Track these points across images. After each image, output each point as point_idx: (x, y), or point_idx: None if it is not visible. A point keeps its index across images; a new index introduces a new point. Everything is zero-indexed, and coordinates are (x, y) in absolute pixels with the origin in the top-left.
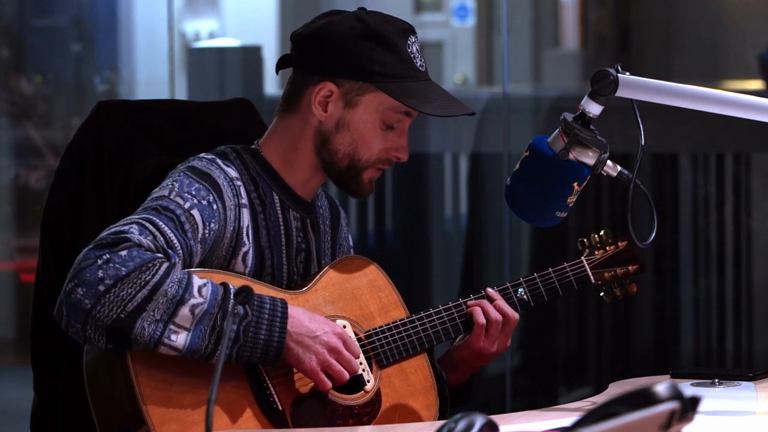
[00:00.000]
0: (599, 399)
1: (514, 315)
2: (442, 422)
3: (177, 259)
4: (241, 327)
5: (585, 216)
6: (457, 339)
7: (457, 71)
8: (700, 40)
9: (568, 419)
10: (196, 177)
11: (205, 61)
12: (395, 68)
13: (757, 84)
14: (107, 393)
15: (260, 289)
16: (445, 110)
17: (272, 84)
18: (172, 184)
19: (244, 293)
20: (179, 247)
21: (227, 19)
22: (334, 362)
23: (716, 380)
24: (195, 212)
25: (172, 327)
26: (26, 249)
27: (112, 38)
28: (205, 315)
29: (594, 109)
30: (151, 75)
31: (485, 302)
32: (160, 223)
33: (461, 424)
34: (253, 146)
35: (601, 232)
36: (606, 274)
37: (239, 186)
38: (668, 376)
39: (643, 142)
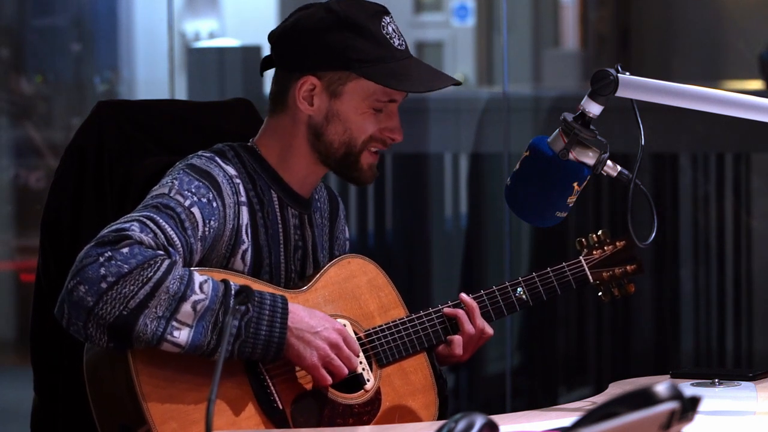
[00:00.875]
0: (599, 399)
1: (487, 329)
2: (442, 422)
3: (178, 257)
4: (243, 323)
5: (585, 216)
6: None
7: (457, 71)
8: (700, 40)
9: (568, 419)
10: (196, 175)
11: (205, 61)
12: (372, 52)
13: (757, 84)
14: (108, 391)
15: (260, 287)
16: (427, 85)
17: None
18: (172, 182)
19: (244, 293)
20: (179, 245)
21: (227, 19)
22: (335, 357)
23: (716, 380)
24: (195, 210)
25: (174, 323)
26: (26, 249)
27: (112, 38)
28: (207, 311)
29: (594, 109)
30: (151, 75)
31: (462, 314)
32: (161, 220)
33: (461, 424)
34: (249, 144)
35: (599, 232)
36: (604, 274)
37: (238, 184)
38: (668, 376)
39: (643, 142)
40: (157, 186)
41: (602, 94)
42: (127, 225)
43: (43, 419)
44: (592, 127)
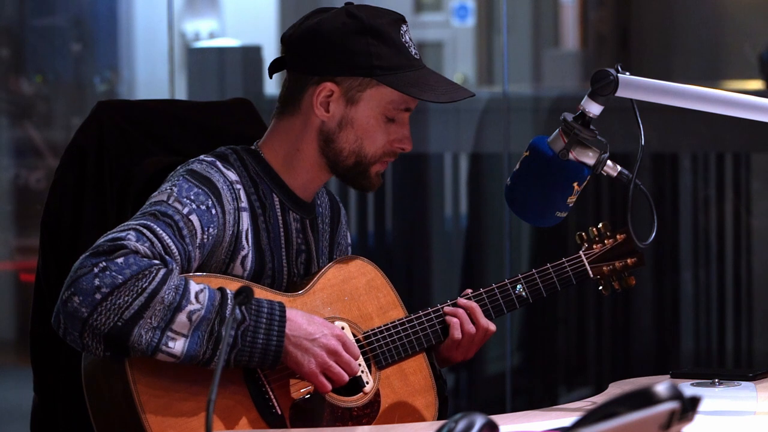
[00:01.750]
0: (599, 399)
1: (490, 327)
2: (442, 422)
3: (174, 266)
4: (239, 332)
5: (585, 216)
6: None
7: (457, 71)
8: (700, 40)
9: (568, 419)
10: (196, 181)
11: (205, 61)
12: (393, 60)
13: (757, 84)
14: (106, 400)
15: (258, 292)
16: (448, 96)
17: (272, 84)
18: (171, 189)
19: (244, 293)
20: (177, 253)
21: (227, 19)
22: (334, 364)
23: (716, 380)
24: (193, 217)
25: (169, 334)
26: (26, 249)
27: (112, 38)
28: (203, 321)
29: (594, 109)
30: (151, 75)
31: (463, 314)
32: (158, 229)
33: (461, 424)
34: (253, 147)
35: (600, 225)
36: (605, 268)
37: (239, 189)
38: (668, 376)
39: (643, 142)
40: (157, 192)
41: (602, 94)
42: (123, 234)
43: (43, 419)
44: (592, 127)
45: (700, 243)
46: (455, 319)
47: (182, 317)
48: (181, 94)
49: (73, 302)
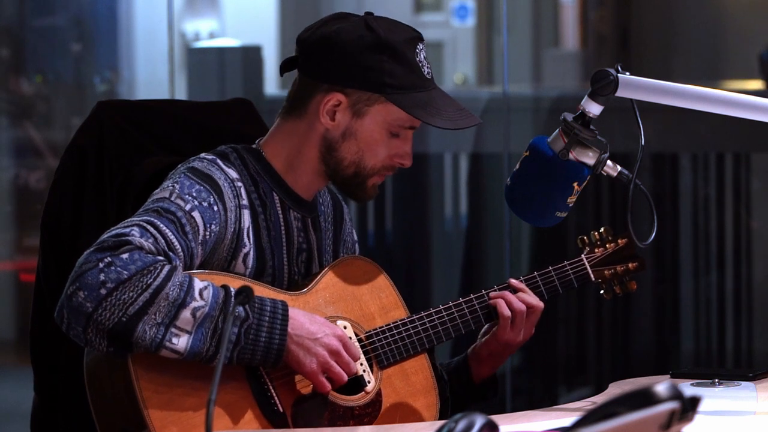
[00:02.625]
0: (599, 399)
1: (539, 304)
2: (442, 422)
3: (178, 262)
4: (242, 330)
5: (585, 216)
6: (480, 334)
7: (457, 71)
8: (700, 40)
9: (568, 419)
10: (197, 178)
11: (205, 61)
12: (405, 79)
13: (757, 84)
14: (108, 396)
15: (260, 290)
16: (455, 123)
17: (272, 84)
18: (173, 186)
19: (244, 293)
20: (180, 250)
21: (227, 19)
22: (334, 364)
23: (716, 380)
24: (196, 214)
25: (173, 330)
26: (26, 249)
27: (112, 38)
28: (207, 318)
29: (594, 109)
30: (151, 75)
31: (507, 293)
32: (161, 225)
33: (461, 424)
34: (254, 146)
35: (601, 230)
36: (606, 272)
37: (240, 187)
38: (668, 376)
39: (643, 142)
40: (158, 190)
41: (602, 94)
42: (127, 230)
43: (43, 419)
44: (592, 127)
45: (700, 243)
46: (501, 299)
47: (186, 314)
48: (181, 94)
49: (78, 297)
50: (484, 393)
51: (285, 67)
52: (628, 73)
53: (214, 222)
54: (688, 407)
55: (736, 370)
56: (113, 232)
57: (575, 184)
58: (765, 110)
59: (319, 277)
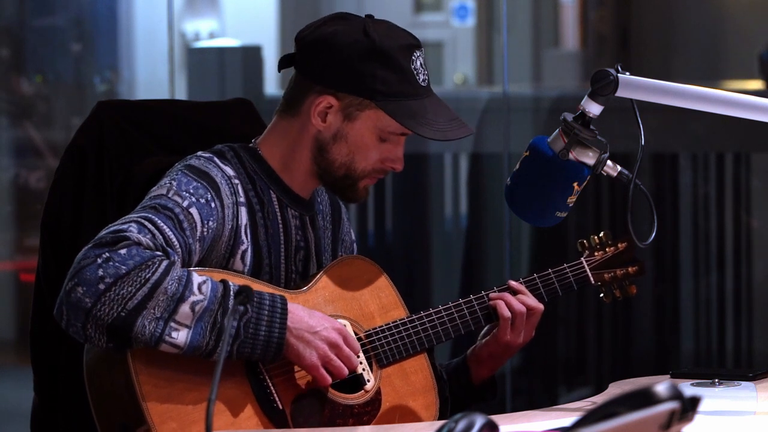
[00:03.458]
0: (599, 399)
1: (539, 306)
2: (442, 422)
3: (176, 257)
4: (241, 323)
5: (585, 216)
6: (479, 336)
7: (457, 71)
8: (700, 40)
9: (568, 419)
10: (194, 175)
11: (205, 61)
12: (396, 87)
13: (757, 84)
14: (107, 391)
15: (260, 287)
16: (444, 134)
17: (272, 84)
18: (170, 183)
19: (243, 293)
20: (178, 246)
21: (227, 19)
22: (334, 357)
23: (716, 380)
24: (193, 211)
25: (172, 324)
26: (26, 249)
27: (112, 38)
28: (206, 312)
29: (594, 109)
30: (151, 75)
31: (507, 295)
32: (159, 221)
33: (461, 424)
34: (251, 145)
35: (601, 234)
36: (606, 275)
37: (237, 184)
38: (668, 376)
39: (643, 142)
40: (156, 187)
41: (602, 94)
42: (125, 226)
43: (43, 419)
44: (592, 127)
45: (700, 243)
46: (500, 301)
47: (185, 308)
48: (181, 94)
49: (76, 293)
50: (483, 394)
51: (283, 63)
52: (628, 73)
53: (211, 219)
54: (688, 407)
55: (736, 370)
56: (111, 229)
57: (575, 184)
58: (765, 110)
59: (318, 276)
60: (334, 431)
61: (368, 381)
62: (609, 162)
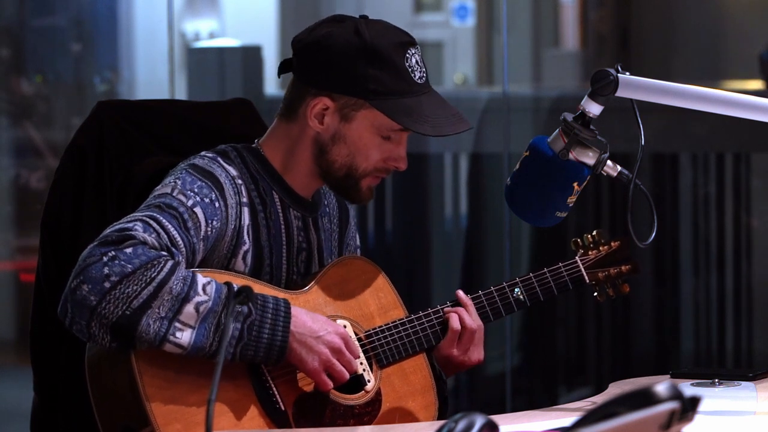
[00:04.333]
0: (599, 399)
1: (479, 324)
2: (442, 422)
3: (181, 257)
4: (245, 325)
5: (585, 216)
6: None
7: (457, 71)
8: (700, 40)
9: (568, 419)
10: (199, 175)
11: (205, 61)
12: (390, 85)
13: (757, 84)
14: (110, 392)
15: (262, 289)
16: (440, 129)
17: (272, 84)
18: (175, 182)
19: (244, 293)
20: (182, 245)
21: (227, 19)
22: (336, 362)
23: (716, 380)
24: (198, 210)
25: (177, 324)
26: (26, 249)
27: (112, 38)
28: (210, 313)
29: (594, 109)
30: (151, 75)
31: (462, 309)
32: (164, 220)
33: (461, 424)
34: (254, 145)
35: (594, 232)
36: (600, 274)
37: (240, 185)
38: (668, 376)
39: (643, 142)
40: (160, 186)
41: (602, 94)
42: (130, 225)
43: (43, 419)
44: (592, 127)
45: (700, 243)
46: (454, 314)
47: (190, 308)
48: (181, 94)
49: (82, 290)
50: None
51: (282, 68)
52: (628, 73)
53: (215, 218)
54: (688, 407)
55: (736, 370)
56: (116, 227)
57: (575, 184)
58: (765, 110)
59: (318, 276)
60: (334, 431)
61: (369, 381)
62: (609, 162)
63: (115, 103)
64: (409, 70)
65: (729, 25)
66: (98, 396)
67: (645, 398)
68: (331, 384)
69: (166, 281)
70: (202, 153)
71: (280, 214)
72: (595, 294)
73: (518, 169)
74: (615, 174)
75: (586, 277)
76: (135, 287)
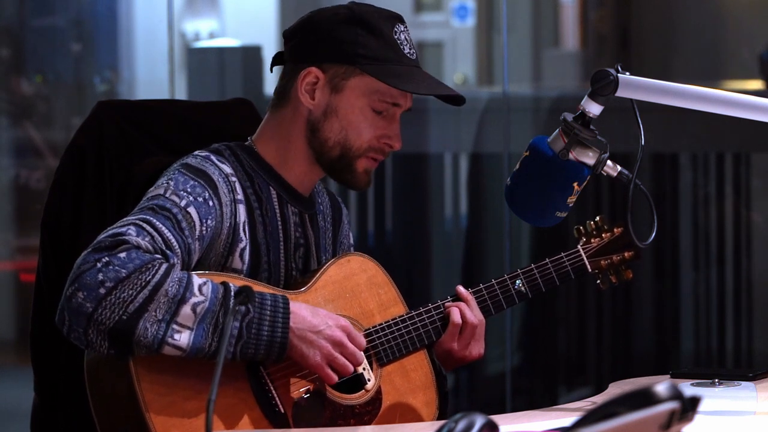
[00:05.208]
0: (599, 399)
1: (481, 319)
2: (442, 422)
3: (176, 260)
4: (244, 323)
5: (585, 216)
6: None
7: (457, 71)
8: (700, 40)
9: (568, 419)
10: (191, 174)
11: (205, 61)
12: (379, 52)
13: (757, 84)
14: (109, 398)
15: (261, 289)
16: (431, 89)
17: (272, 84)
18: (168, 183)
19: (244, 293)
20: (177, 247)
21: (227, 19)
22: (339, 356)
23: (716, 380)
24: (191, 210)
25: (174, 326)
26: (26, 249)
27: (112, 38)
28: (207, 313)
29: (594, 109)
30: (151, 75)
31: (463, 304)
32: (158, 223)
33: (461, 424)
34: (247, 143)
35: (597, 219)
36: (602, 262)
37: (234, 182)
38: (668, 376)
39: (643, 142)
40: (153, 187)
41: (602, 94)
42: (123, 229)
43: (43, 419)
44: (592, 127)
45: (700, 243)
46: (455, 309)
47: (187, 309)
48: (181, 94)
49: (77, 298)
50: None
51: (274, 62)
52: (628, 73)
53: (210, 217)
54: (688, 407)
55: (736, 370)
56: (110, 232)
57: (575, 184)
58: (765, 110)
59: (318, 275)
60: (334, 431)
61: (369, 380)
62: (609, 162)
63: (115, 103)
64: (398, 42)
65: (729, 25)
66: (97, 401)
67: (645, 398)
68: (335, 377)
69: (162, 284)
70: (195, 152)
71: (277, 211)
72: (598, 282)
73: (518, 169)
74: (615, 174)
75: (589, 266)
76: (130, 292)
